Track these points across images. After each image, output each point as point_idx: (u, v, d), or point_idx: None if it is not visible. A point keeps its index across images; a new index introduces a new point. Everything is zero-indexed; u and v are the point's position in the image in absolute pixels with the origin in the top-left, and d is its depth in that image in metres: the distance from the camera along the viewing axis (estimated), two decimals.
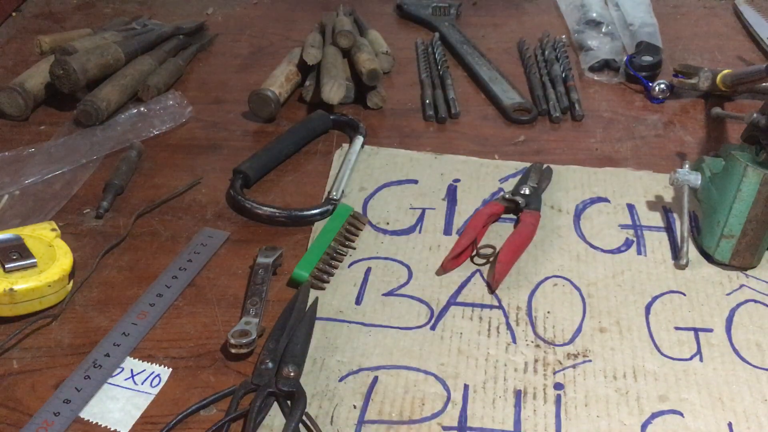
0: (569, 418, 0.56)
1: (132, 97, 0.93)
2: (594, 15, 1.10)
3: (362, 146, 0.86)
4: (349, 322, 0.64)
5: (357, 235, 0.74)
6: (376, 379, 0.59)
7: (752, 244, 0.70)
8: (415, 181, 0.82)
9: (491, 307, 0.66)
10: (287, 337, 0.60)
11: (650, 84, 0.96)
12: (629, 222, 0.76)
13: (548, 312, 0.65)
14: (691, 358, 0.62)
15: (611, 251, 0.72)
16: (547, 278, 0.69)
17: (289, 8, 1.18)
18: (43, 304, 0.65)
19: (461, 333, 0.63)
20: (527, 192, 0.76)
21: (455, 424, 0.55)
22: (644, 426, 0.56)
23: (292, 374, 0.57)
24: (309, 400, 0.56)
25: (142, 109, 0.90)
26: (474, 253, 0.70)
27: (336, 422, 0.55)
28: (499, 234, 0.74)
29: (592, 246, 0.73)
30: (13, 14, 1.14)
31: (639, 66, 0.99)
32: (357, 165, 0.83)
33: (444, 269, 0.69)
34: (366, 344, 0.62)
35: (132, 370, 0.60)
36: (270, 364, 0.58)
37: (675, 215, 0.77)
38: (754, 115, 0.75)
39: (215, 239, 0.73)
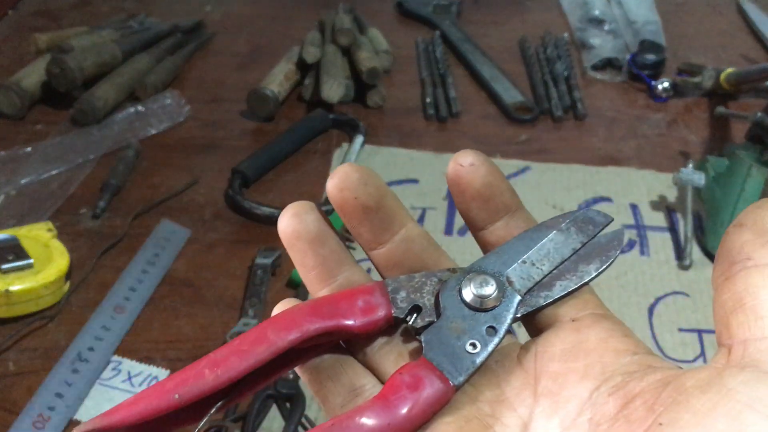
0: None
1: (129, 96, 0.92)
2: (596, 13, 1.10)
3: (362, 145, 0.85)
4: None
5: None
6: None
7: None
8: (416, 181, 0.81)
9: None
10: None
11: (653, 82, 0.95)
12: (632, 222, 0.75)
13: None
14: (694, 360, 0.61)
15: None
16: None
17: (288, 6, 1.17)
18: (40, 305, 0.64)
19: None
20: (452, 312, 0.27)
21: None
22: None
23: (291, 376, 0.56)
24: (308, 402, 0.56)
25: (139, 108, 0.89)
26: None
27: None
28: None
29: None
30: (9, 12, 1.13)
31: (642, 64, 0.98)
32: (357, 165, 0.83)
33: None
34: None
35: (129, 372, 0.59)
36: None
37: (678, 215, 0.76)
38: (759, 114, 0.75)
39: (178, 235, 0.72)
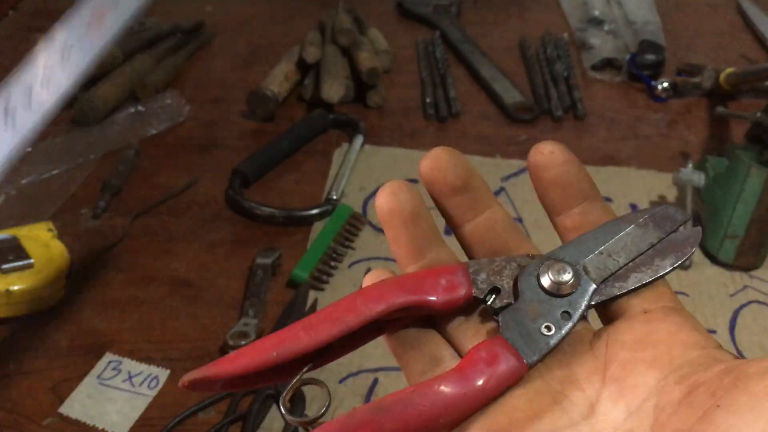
0: None
1: (129, 96, 0.92)
2: (596, 13, 1.10)
3: (362, 145, 0.85)
4: None
5: (357, 236, 0.73)
6: (376, 380, 0.58)
7: (756, 245, 0.69)
8: (416, 181, 0.81)
9: None
10: None
11: (653, 82, 0.95)
12: None
13: None
14: None
15: None
16: None
17: (289, 6, 1.17)
18: (40, 305, 0.64)
19: None
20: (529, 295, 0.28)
21: None
22: None
23: None
24: (308, 402, 0.56)
25: (139, 108, 0.89)
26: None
27: None
28: None
29: None
30: (10, 12, 1.13)
31: (642, 64, 0.98)
32: (357, 164, 0.83)
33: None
34: (366, 345, 0.61)
35: (129, 372, 0.59)
36: None
37: None
38: (758, 114, 0.75)
39: None
